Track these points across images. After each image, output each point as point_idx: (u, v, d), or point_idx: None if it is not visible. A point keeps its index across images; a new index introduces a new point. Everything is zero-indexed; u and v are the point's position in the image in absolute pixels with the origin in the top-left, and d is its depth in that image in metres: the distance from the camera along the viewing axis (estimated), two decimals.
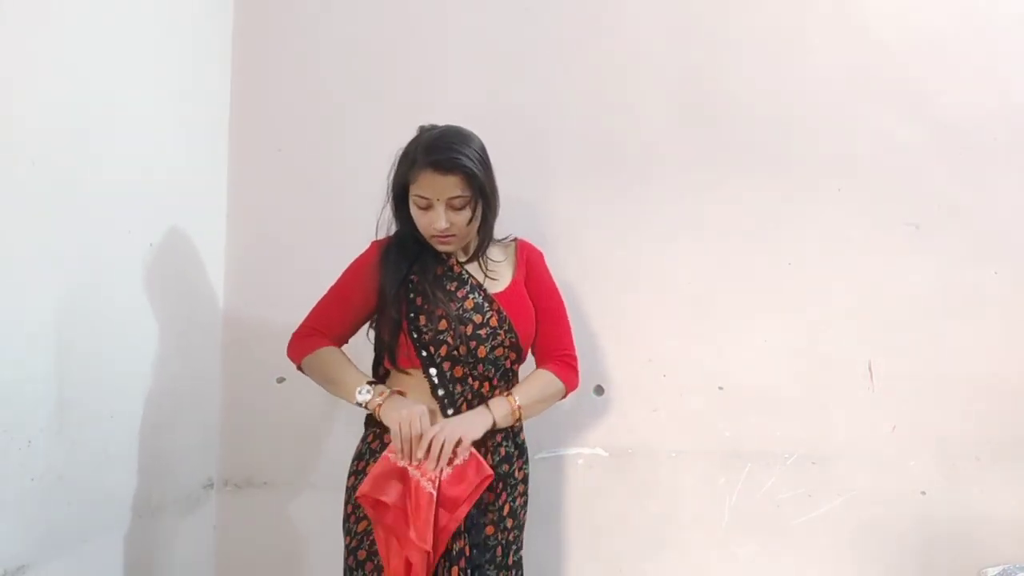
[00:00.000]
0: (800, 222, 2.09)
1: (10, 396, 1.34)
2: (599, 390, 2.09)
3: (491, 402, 1.61)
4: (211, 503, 2.09)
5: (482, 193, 1.59)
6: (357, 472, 1.61)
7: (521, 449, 1.69)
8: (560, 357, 1.71)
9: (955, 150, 2.07)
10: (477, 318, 1.60)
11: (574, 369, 1.73)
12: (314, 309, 1.69)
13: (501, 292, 1.66)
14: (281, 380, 2.08)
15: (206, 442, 2.07)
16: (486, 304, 1.62)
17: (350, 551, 1.58)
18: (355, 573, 1.56)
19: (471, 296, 1.62)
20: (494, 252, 1.71)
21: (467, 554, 1.54)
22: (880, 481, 2.03)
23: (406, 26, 2.17)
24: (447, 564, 1.52)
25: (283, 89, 2.17)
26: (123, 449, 1.69)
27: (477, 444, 1.55)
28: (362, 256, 1.68)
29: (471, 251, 1.67)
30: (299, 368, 1.67)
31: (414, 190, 1.57)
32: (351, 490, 1.60)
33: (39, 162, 1.39)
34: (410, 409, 1.53)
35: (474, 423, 1.56)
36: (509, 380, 1.67)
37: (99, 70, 1.58)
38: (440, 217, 1.56)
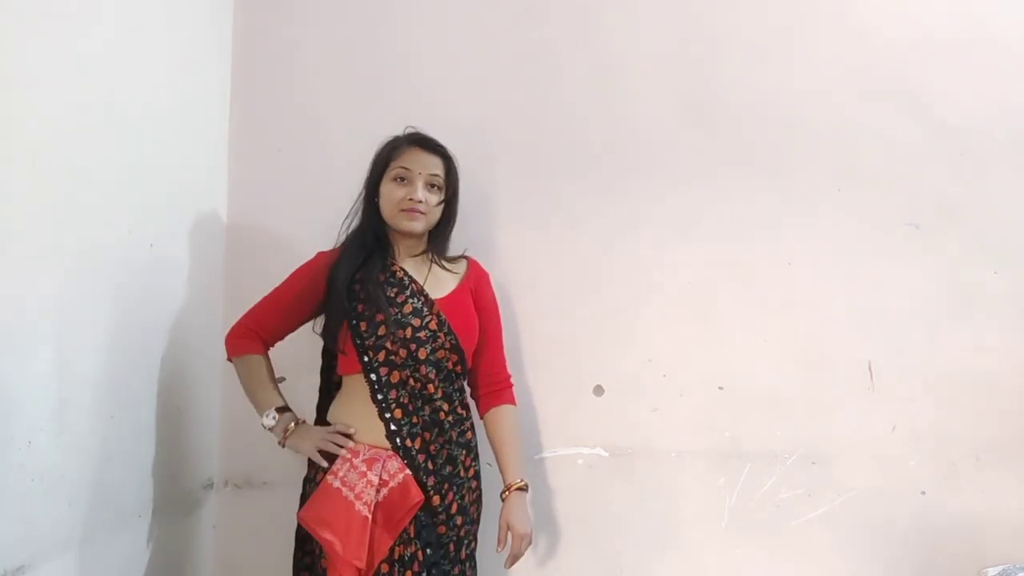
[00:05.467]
0: (800, 222, 2.09)
1: (10, 396, 1.34)
2: (599, 390, 2.09)
3: (518, 496, 1.74)
4: (211, 503, 2.09)
5: (452, 190, 1.76)
6: (308, 480, 1.70)
7: (468, 448, 1.75)
8: (504, 385, 1.84)
9: (955, 150, 2.08)
10: (416, 321, 1.68)
11: (513, 389, 1.87)
12: (254, 307, 1.78)
13: (444, 297, 1.74)
14: (281, 380, 2.07)
15: (206, 442, 2.07)
16: (425, 308, 1.70)
17: (316, 558, 1.66)
18: None
19: (410, 301, 1.70)
20: (446, 263, 1.81)
21: (419, 558, 1.61)
22: (880, 481, 2.03)
23: (406, 26, 2.17)
24: (401, 569, 1.59)
25: (283, 89, 2.17)
26: (123, 449, 1.69)
27: (420, 450, 1.65)
28: (306, 263, 1.78)
29: (417, 251, 1.78)
30: (229, 361, 1.79)
31: (396, 164, 1.72)
32: (304, 496, 1.69)
33: (39, 162, 1.39)
34: (315, 436, 1.65)
35: (526, 514, 1.74)
36: (452, 381, 1.73)
37: (99, 70, 1.58)
38: (417, 189, 1.70)
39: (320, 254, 1.79)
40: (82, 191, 1.53)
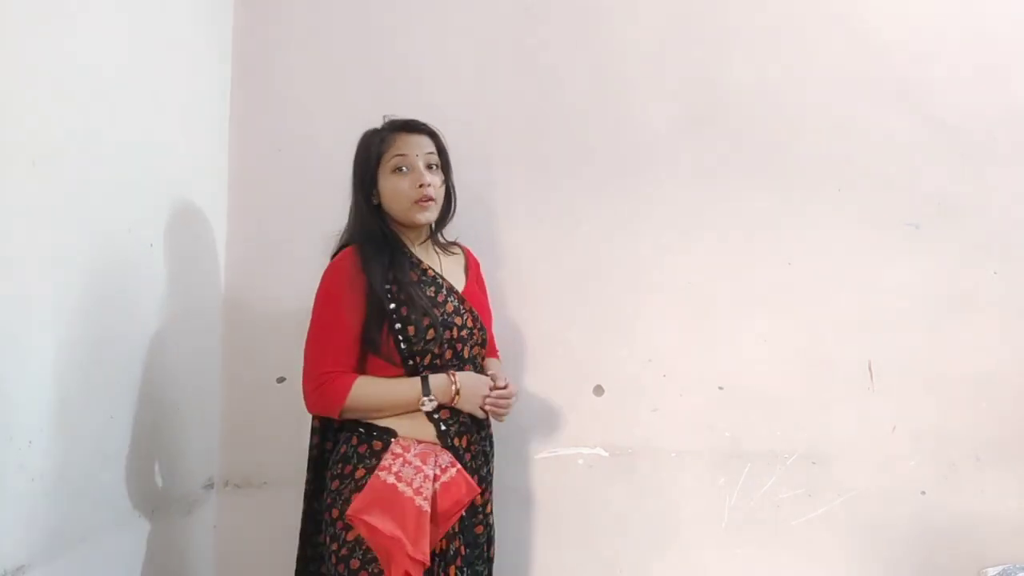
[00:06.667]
0: (800, 222, 2.09)
1: (11, 396, 1.34)
2: (599, 390, 2.09)
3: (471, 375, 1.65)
4: (211, 503, 2.09)
5: (447, 168, 1.70)
6: (343, 476, 1.56)
7: (492, 444, 1.74)
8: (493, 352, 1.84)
9: (955, 150, 2.07)
10: (458, 320, 1.64)
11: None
12: (317, 354, 1.58)
13: (464, 289, 1.72)
14: (281, 380, 2.08)
15: (206, 442, 2.07)
16: (461, 306, 1.67)
17: (340, 559, 1.52)
18: None
19: (449, 300, 1.66)
20: (450, 248, 1.78)
21: (462, 553, 1.58)
22: (880, 481, 2.03)
23: (407, 26, 2.17)
24: (443, 564, 1.55)
25: (283, 89, 2.17)
26: (123, 449, 1.69)
27: (466, 448, 1.62)
28: (333, 282, 1.61)
29: (423, 239, 1.72)
30: (341, 415, 1.58)
31: (391, 153, 1.63)
32: (335, 493, 1.56)
33: (39, 162, 1.39)
34: (478, 397, 1.62)
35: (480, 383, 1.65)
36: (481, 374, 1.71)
37: (99, 70, 1.58)
38: (423, 173, 1.62)
39: (337, 266, 1.62)
40: (82, 191, 1.53)
